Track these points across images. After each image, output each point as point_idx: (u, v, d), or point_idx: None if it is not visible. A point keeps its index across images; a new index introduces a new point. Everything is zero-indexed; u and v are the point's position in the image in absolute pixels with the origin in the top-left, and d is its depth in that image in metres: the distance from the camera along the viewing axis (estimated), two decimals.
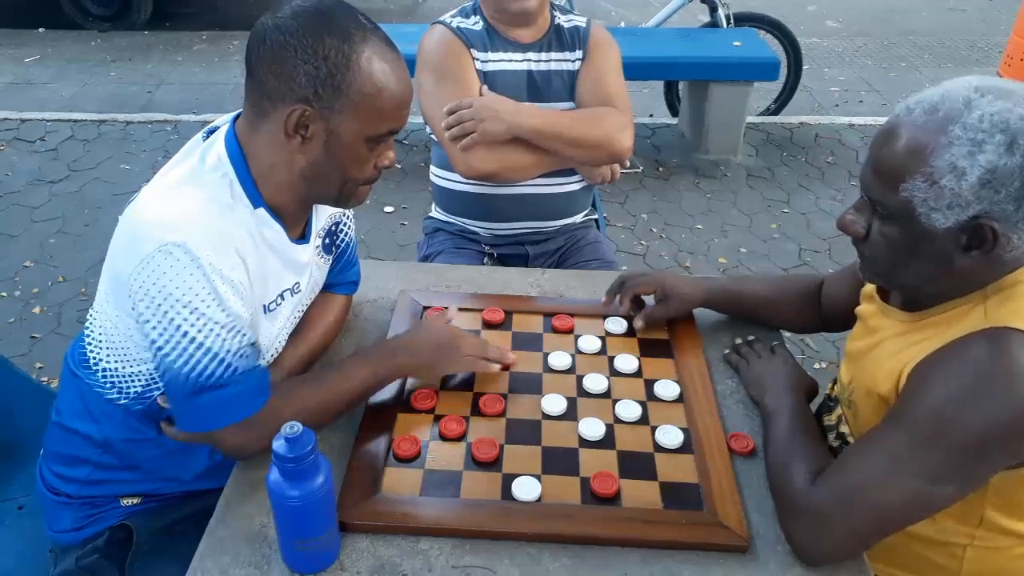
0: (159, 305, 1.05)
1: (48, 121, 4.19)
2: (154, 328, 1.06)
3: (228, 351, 1.08)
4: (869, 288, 1.25)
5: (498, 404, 1.27)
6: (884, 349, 1.13)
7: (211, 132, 1.18)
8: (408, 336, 1.30)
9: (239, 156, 1.13)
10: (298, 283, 1.26)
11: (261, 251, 1.15)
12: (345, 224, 1.41)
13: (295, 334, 1.33)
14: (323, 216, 1.33)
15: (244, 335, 1.10)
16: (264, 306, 1.19)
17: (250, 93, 1.11)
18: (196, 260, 1.04)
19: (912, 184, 0.98)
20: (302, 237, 1.25)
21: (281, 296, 1.23)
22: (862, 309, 1.26)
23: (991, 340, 0.98)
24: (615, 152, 1.79)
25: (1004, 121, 0.94)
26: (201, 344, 1.06)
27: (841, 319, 1.37)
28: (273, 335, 1.24)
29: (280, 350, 1.29)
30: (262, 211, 1.15)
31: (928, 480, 0.98)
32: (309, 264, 1.28)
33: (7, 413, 1.46)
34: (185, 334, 1.05)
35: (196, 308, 1.05)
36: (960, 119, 0.96)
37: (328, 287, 1.41)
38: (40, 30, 5.59)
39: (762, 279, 1.58)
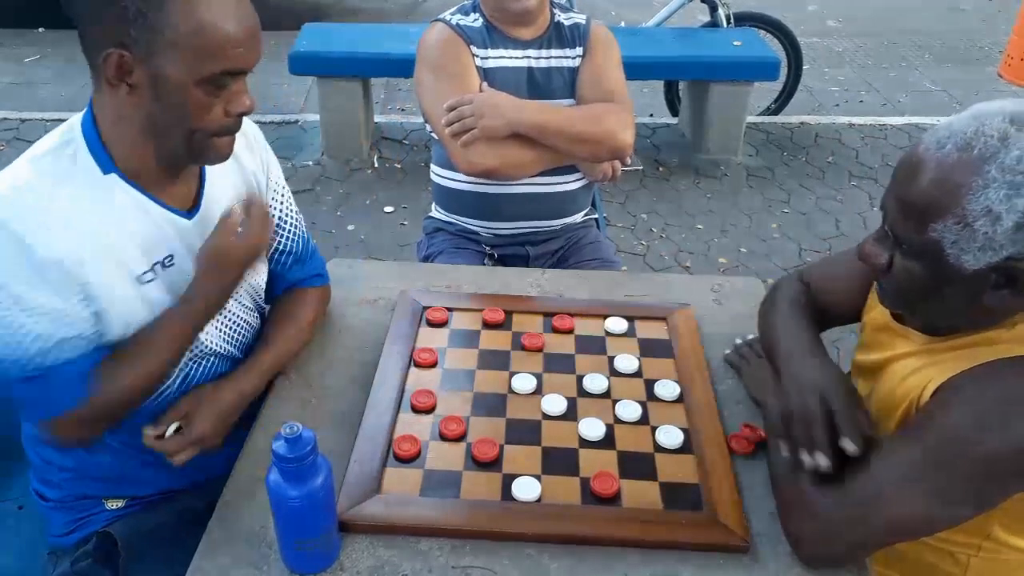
0: None
1: (48, 121, 4.18)
2: None
3: (43, 338, 1.03)
4: (875, 297, 1.20)
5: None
6: (902, 366, 1.10)
7: None
8: (196, 272, 1.15)
9: (90, 121, 1.08)
10: (171, 256, 1.15)
11: (113, 219, 1.08)
12: (275, 185, 1.34)
13: (270, 335, 1.32)
14: (221, 185, 1.22)
15: (65, 323, 1.05)
16: (136, 276, 1.12)
17: (84, 56, 1.04)
18: (17, 238, 0.99)
19: (942, 225, 0.93)
20: (190, 208, 1.17)
21: (152, 269, 1.14)
22: (870, 319, 1.23)
23: (1019, 367, 0.97)
24: (616, 148, 1.79)
25: None
26: (15, 330, 1.02)
27: (845, 320, 1.34)
28: (159, 307, 1.16)
29: (207, 340, 1.23)
30: (113, 176, 1.08)
31: (942, 500, 0.97)
32: (192, 237, 1.17)
33: (7, 413, 1.46)
34: (2, 319, 1.01)
35: (12, 290, 1.00)
36: (997, 159, 0.90)
37: (296, 283, 1.40)
38: (40, 30, 5.58)
39: (807, 329, 1.24)
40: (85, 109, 1.10)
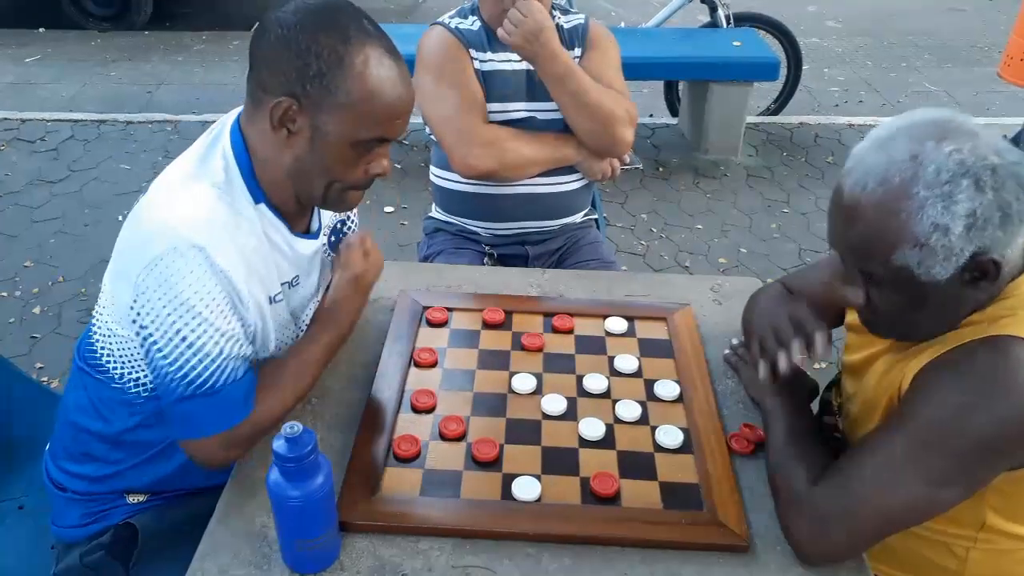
0: (163, 307, 1.05)
1: (48, 121, 4.19)
2: (152, 325, 1.06)
3: (222, 358, 1.08)
4: None
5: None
6: (883, 363, 1.14)
7: (216, 126, 1.19)
8: (334, 294, 1.27)
9: (242, 149, 1.14)
10: (297, 276, 1.25)
11: (263, 246, 1.16)
12: (351, 222, 1.42)
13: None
14: (328, 212, 1.32)
15: (241, 345, 1.11)
16: (270, 297, 1.20)
17: (249, 84, 1.12)
18: (211, 263, 1.05)
19: (901, 253, 0.97)
20: (308, 231, 1.26)
21: (282, 290, 1.23)
22: (852, 320, 1.25)
23: (993, 347, 0.99)
24: (619, 134, 1.79)
25: (960, 163, 0.93)
26: (198, 350, 1.06)
27: (835, 324, 1.36)
28: (281, 324, 1.25)
29: (293, 339, 1.30)
30: (263, 207, 1.15)
31: (931, 484, 0.98)
32: (314, 258, 1.29)
33: (7, 413, 1.46)
34: (184, 338, 1.06)
35: (199, 312, 1.05)
36: (918, 179, 0.95)
37: None
38: (40, 30, 5.58)
39: None
40: (231, 127, 1.15)
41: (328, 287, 1.31)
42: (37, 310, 2.85)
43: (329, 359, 1.26)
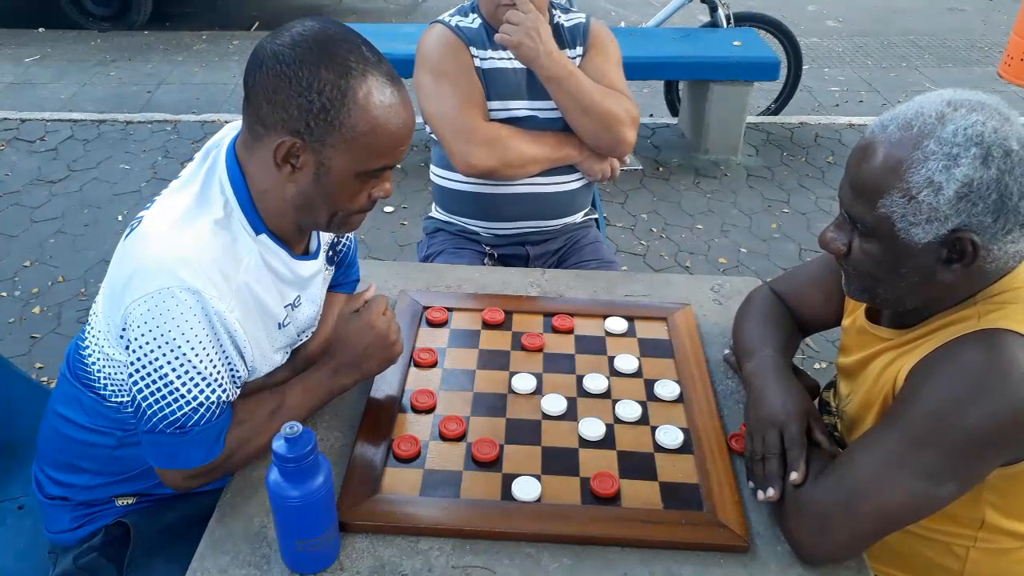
0: (148, 343, 1.04)
1: (48, 121, 4.19)
2: (137, 360, 1.05)
3: (199, 403, 1.07)
4: (853, 303, 1.24)
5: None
6: (878, 363, 1.14)
7: (210, 151, 1.17)
8: (341, 351, 1.24)
9: (240, 180, 1.12)
10: (299, 296, 1.24)
11: (265, 277, 1.15)
12: (346, 238, 1.42)
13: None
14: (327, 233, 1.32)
15: (223, 390, 1.10)
16: (279, 323, 1.20)
17: (246, 115, 1.10)
18: (205, 307, 1.04)
19: (890, 200, 0.99)
20: (306, 252, 1.24)
21: (288, 314, 1.22)
22: (848, 323, 1.26)
23: (984, 340, 0.99)
24: (622, 136, 1.80)
25: (978, 134, 0.94)
26: (176, 391, 1.06)
27: (828, 324, 1.37)
28: (289, 344, 1.26)
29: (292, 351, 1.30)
30: (264, 237, 1.14)
31: (927, 478, 0.99)
32: (314, 277, 1.27)
33: (7, 413, 1.46)
34: (164, 376, 1.05)
35: (184, 354, 1.05)
36: (935, 134, 0.96)
37: (333, 287, 1.42)
38: (40, 30, 5.58)
39: (773, 344, 1.29)
40: (227, 156, 1.13)
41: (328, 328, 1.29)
42: (37, 310, 2.85)
43: (316, 408, 1.24)
